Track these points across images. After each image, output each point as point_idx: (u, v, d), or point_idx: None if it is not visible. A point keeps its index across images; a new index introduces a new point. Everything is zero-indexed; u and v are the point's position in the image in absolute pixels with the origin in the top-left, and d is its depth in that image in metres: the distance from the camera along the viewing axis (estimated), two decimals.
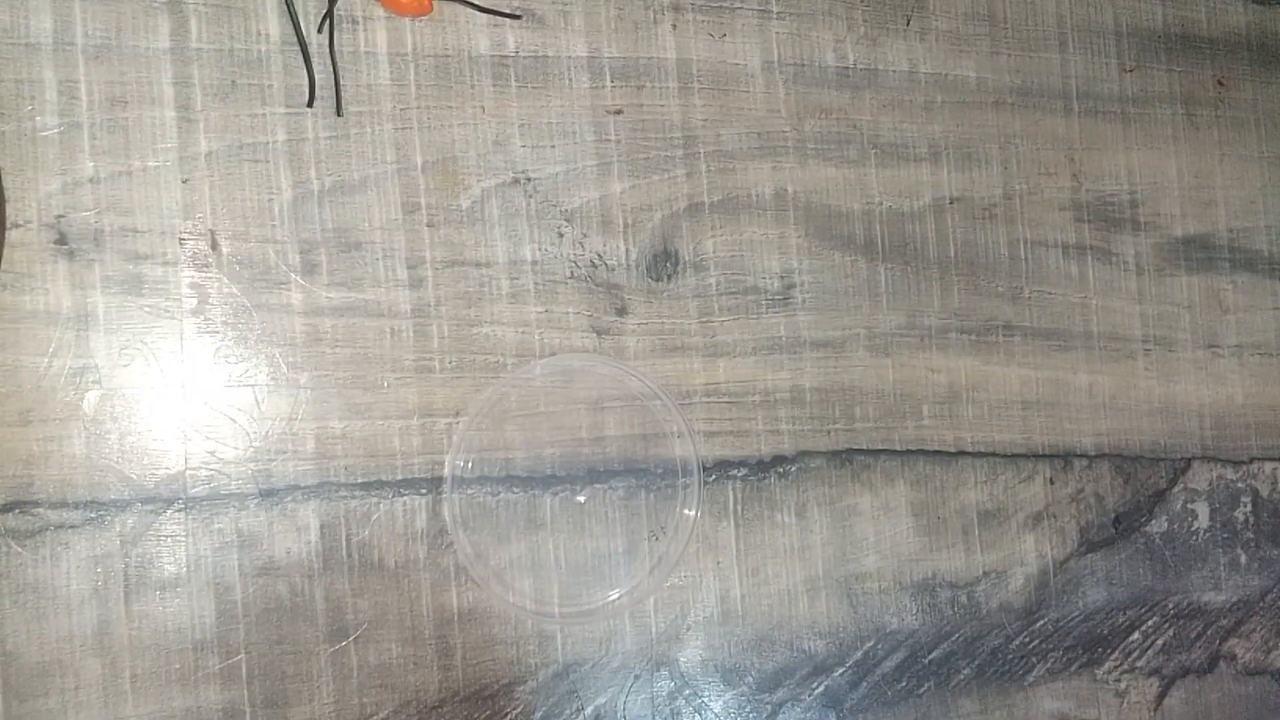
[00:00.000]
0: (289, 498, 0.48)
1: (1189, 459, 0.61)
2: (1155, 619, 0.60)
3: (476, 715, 0.50)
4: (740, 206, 0.55)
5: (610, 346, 0.52)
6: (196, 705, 0.47)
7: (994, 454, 0.58)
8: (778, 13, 0.56)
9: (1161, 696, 0.60)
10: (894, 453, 0.56)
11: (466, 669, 0.50)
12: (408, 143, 0.51)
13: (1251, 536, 0.62)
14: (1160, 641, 0.60)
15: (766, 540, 0.54)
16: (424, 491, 0.50)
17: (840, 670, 0.55)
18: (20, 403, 0.46)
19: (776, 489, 0.54)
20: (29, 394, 0.46)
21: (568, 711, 0.51)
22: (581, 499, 0.50)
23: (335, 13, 0.49)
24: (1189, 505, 0.61)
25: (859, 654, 0.55)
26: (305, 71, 0.49)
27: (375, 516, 0.49)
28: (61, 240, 0.47)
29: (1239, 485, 0.62)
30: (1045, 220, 0.59)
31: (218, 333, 0.48)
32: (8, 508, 0.46)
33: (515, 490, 0.51)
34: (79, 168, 0.47)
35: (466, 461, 0.50)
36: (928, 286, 0.57)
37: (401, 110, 0.51)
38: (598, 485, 0.52)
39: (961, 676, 0.57)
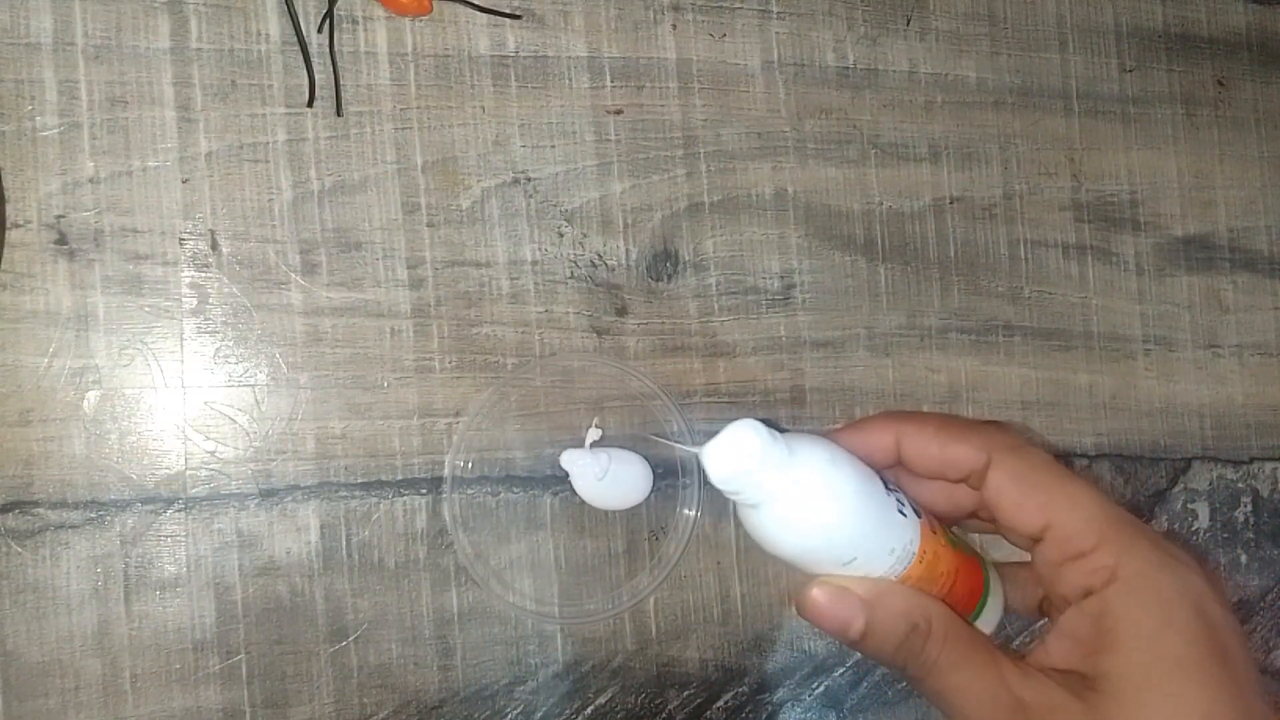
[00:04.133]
0: (289, 498, 0.48)
1: (1189, 459, 0.61)
2: None
3: (476, 715, 0.50)
4: (740, 206, 0.55)
5: (610, 346, 0.52)
6: (196, 705, 0.47)
7: None
8: (778, 13, 0.56)
9: None
10: None
11: (466, 669, 0.50)
12: (408, 143, 0.51)
13: (1252, 536, 0.62)
14: None
15: None
16: (424, 491, 0.50)
17: (840, 670, 0.55)
18: (20, 403, 0.46)
19: None
20: (29, 394, 0.46)
21: (568, 711, 0.51)
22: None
23: (335, 13, 0.49)
24: (1189, 505, 0.61)
25: (859, 654, 0.55)
26: (305, 71, 0.49)
27: (375, 516, 0.49)
28: (61, 240, 0.47)
29: (1239, 485, 0.62)
30: (1045, 220, 0.59)
31: (218, 333, 0.48)
32: (8, 508, 0.46)
33: (515, 490, 0.51)
34: (79, 168, 0.47)
35: (466, 461, 0.50)
36: (928, 286, 0.57)
37: (401, 110, 0.50)
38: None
39: None
